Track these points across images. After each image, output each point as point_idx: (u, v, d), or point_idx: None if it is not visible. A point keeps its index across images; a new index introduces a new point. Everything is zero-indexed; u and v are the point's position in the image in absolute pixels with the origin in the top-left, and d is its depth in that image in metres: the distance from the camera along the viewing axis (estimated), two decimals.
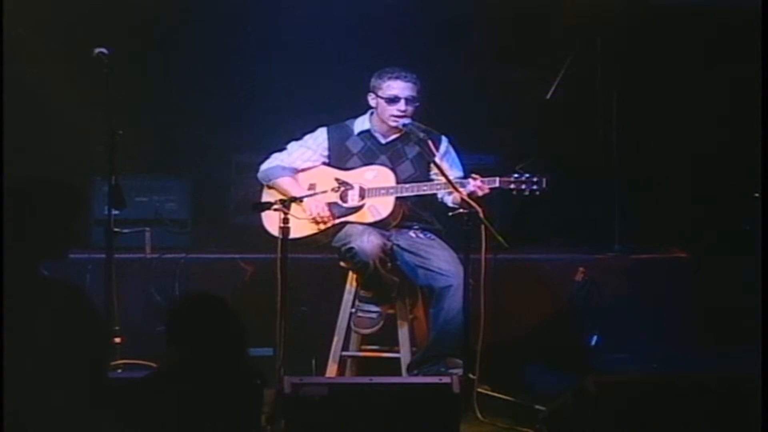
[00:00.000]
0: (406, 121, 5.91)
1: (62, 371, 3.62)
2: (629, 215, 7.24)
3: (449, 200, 5.93)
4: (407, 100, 5.93)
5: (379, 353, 6.03)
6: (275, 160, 6.08)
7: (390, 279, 5.88)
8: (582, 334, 6.68)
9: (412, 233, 5.96)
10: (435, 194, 5.95)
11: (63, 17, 7.11)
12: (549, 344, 6.53)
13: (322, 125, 6.11)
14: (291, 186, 5.99)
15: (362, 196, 5.93)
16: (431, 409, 4.53)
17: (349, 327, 5.96)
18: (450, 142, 6.08)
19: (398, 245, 5.91)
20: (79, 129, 6.99)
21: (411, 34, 7.34)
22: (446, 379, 4.64)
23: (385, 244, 5.84)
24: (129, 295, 6.24)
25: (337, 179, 5.96)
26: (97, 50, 5.78)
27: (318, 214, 5.89)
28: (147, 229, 6.46)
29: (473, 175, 5.78)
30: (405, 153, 6.02)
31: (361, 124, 6.07)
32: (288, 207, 5.41)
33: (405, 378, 5.69)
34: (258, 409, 4.03)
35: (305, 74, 7.43)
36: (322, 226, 5.92)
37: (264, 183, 6.07)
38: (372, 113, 6.06)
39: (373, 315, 5.91)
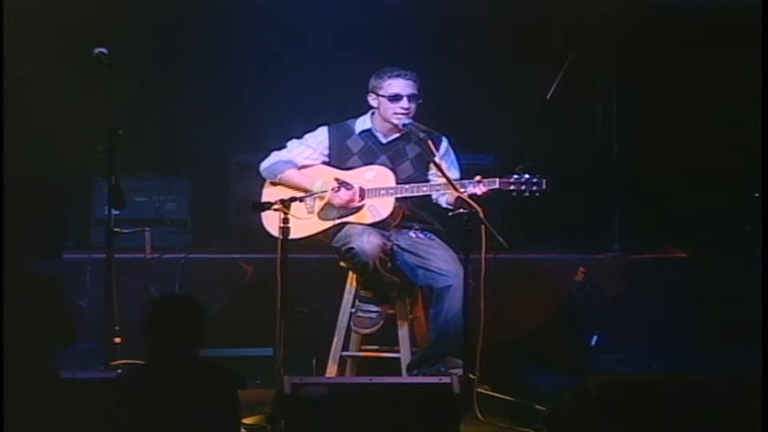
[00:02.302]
0: (407, 121, 5.91)
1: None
2: (629, 215, 7.24)
3: (443, 201, 5.93)
4: (409, 98, 5.93)
5: (379, 353, 6.03)
6: (275, 156, 6.07)
7: (390, 279, 5.87)
8: (582, 334, 6.69)
9: (412, 233, 5.96)
10: (431, 194, 5.94)
11: (63, 17, 7.11)
12: (549, 344, 6.53)
13: (322, 124, 6.11)
14: (300, 178, 5.98)
15: (362, 197, 5.93)
16: (431, 409, 4.53)
17: (349, 327, 5.95)
18: (450, 143, 6.08)
19: (398, 245, 5.90)
20: (79, 129, 7.00)
21: (411, 34, 7.34)
22: (446, 379, 4.64)
23: (385, 244, 5.84)
24: (129, 295, 6.23)
25: (336, 179, 5.95)
26: (97, 50, 5.78)
27: (350, 199, 5.87)
28: (147, 229, 6.45)
29: (477, 178, 5.76)
30: (405, 153, 6.02)
31: (362, 123, 6.07)
32: (288, 207, 5.40)
33: (405, 378, 5.68)
34: (231, 409, 4.03)
35: (305, 74, 7.43)
36: (327, 224, 5.91)
37: (269, 179, 6.06)
38: (373, 113, 6.05)
39: (373, 315, 5.91)
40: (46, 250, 3.86)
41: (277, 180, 6.03)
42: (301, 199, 5.78)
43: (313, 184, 5.94)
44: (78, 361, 6.30)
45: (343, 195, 5.87)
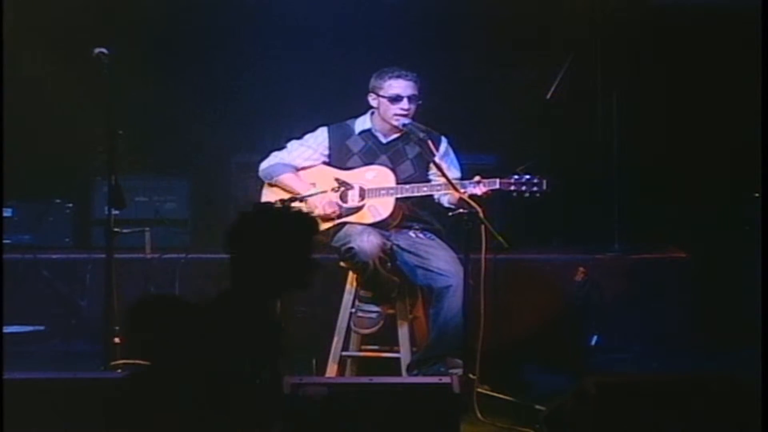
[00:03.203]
0: (407, 120, 5.91)
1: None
2: (629, 215, 7.24)
3: (445, 200, 5.93)
4: (410, 99, 5.93)
5: (379, 353, 6.03)
6: (275, 158, 6.07)
7: (390, 279, 5.87)
8: (582, 334, 6.69)
9: (411, 233, 5.96)
10: (432, 194, 5.95)
11: (63, 17, 7.12)
12: (549, 344, 6.53)
13: (322, 125, 6.11)
14: (294, 182, 5.98)
15: (362, 197, 5.93)
16: (431, 409, 4.53)
17: (349, 327, 5.95)
18: (449, 142, 6.08)
19: (398, 245, 5.90)
20: (79, 129, 7.00)
21: (411, 34, 7.34)
22: (446, 379, 4.64)
23: (384, 244, 5.84)
24: (129, 295, 6.23)
25: (337, 179, 5.95)
26: (97, 50, 5.78)
27: (324, 210, 5.88)
28: (147, 229, 6.45)
29: (477, 178, 5.77)
30: (405, 153, 6.02)
31: (362, 123, 6.07)
32: None
33: (405, 378, 5.68)
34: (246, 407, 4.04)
35: (305, 74, 7.44)
36: (327, 225, 5.91)
37: (266, 181, 6.07)
38: (373, 113, 6.06)
39: (373, 315, 5.91)
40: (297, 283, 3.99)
41: (273, 182, 6.03)
42: (301, 200, 5.79)
43: (308, 190, 5.94)
44: (78, 361, 6.33)
45: (319, 205, 5.87)
